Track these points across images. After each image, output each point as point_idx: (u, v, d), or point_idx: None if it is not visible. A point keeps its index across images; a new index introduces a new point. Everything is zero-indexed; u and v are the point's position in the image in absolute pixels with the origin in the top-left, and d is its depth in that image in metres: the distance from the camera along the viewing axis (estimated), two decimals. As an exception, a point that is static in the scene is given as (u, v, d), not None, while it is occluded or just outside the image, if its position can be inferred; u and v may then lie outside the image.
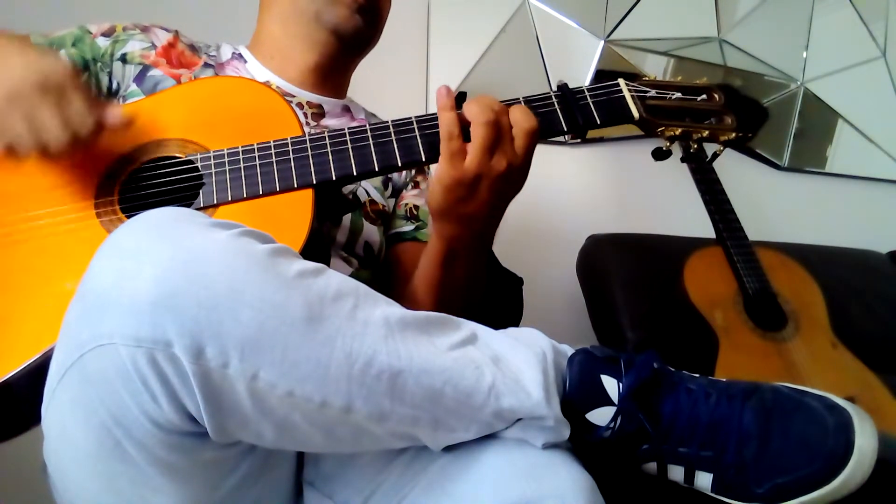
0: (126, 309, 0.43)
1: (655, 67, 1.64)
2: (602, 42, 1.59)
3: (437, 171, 0.65)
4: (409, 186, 0.95)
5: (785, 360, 1.09)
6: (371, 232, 0.84)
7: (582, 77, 1.58)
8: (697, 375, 0.57)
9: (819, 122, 1.76)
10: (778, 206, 1.72)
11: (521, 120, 0.64)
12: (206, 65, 0.84)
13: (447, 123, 0.63)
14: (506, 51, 1.54)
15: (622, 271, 1.34)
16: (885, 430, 0.56)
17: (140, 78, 0.80)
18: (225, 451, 0.52)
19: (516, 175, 0.66)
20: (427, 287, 0.75)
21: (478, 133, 0.62)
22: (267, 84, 0.77)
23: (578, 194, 1.62)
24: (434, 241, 0.72)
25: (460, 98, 0.67)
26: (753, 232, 1.23)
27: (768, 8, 1.70)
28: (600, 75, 1.58)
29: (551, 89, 0.71)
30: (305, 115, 0.86)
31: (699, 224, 1.29)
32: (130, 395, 0.44)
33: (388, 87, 1.39)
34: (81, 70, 0.78)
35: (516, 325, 0.88)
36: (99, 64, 0.79)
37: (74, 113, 0.59)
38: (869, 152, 1.78)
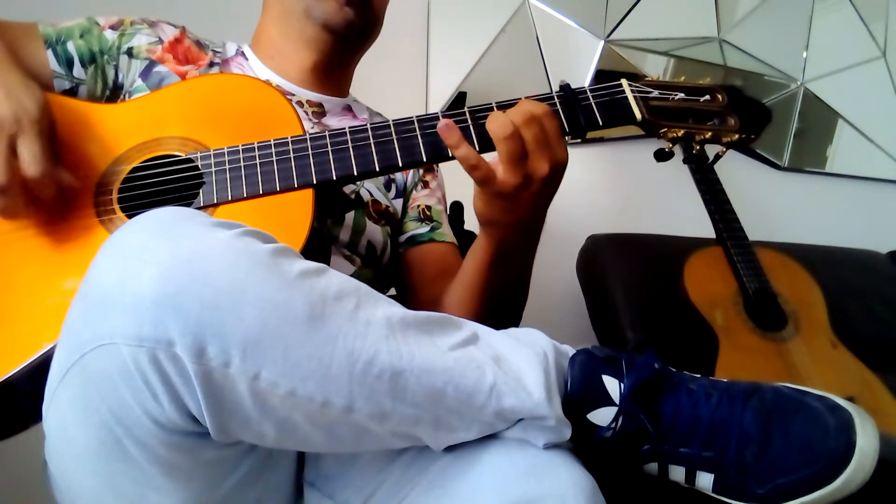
0: (128, 308, 0.43)
1: (655, 67, 1.64)
2: (602, 42, 1.59)
3: (475, 188, 0.65)
4: (419, 187, 0.94)
5: (785, 360, 1.09)
6: (374, 231, 0.84)
7: (582, 77, 1.58)
8: (698, 376, 0.57)
9: (819, 122, 1.76)
10: (778, 206, 1.72)
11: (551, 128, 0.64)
12: (212, 63, 0.85)
13: (466, 158, 0.64)
14: (506, 51, 1.54)
15: (622, 271, 1.34)
16: (886, 431, 0.56)
17: (146, 73, 0.80)
18: (226, 450, 0.52)
19: (553, 176, 0.65)
20: (470, 293, 0.74)
21: (500, 149, 0.62)
22: (267, 82, 0.77)
23: (578, 194, 1.62)
24: (483, 244, 0.71)
25: (461, 98, 0.67)
26: (753, 232, 1.23)
27: (768, 8, 1.71)
28: (600, 75, 1.59)
29: (552, 89, 0.70)
30: (306, 112, 0.86)
31: (699, 224, 1.29)
32: (132, 394, 0.44)
33: (388, 87, 1.39)
34: (91, 63, 0.77)
35: (516, 325, 0.88)
36: (106, 57, 0.79)
37: (25, 156, 0.58)
38: (869, 152, 1.79)
